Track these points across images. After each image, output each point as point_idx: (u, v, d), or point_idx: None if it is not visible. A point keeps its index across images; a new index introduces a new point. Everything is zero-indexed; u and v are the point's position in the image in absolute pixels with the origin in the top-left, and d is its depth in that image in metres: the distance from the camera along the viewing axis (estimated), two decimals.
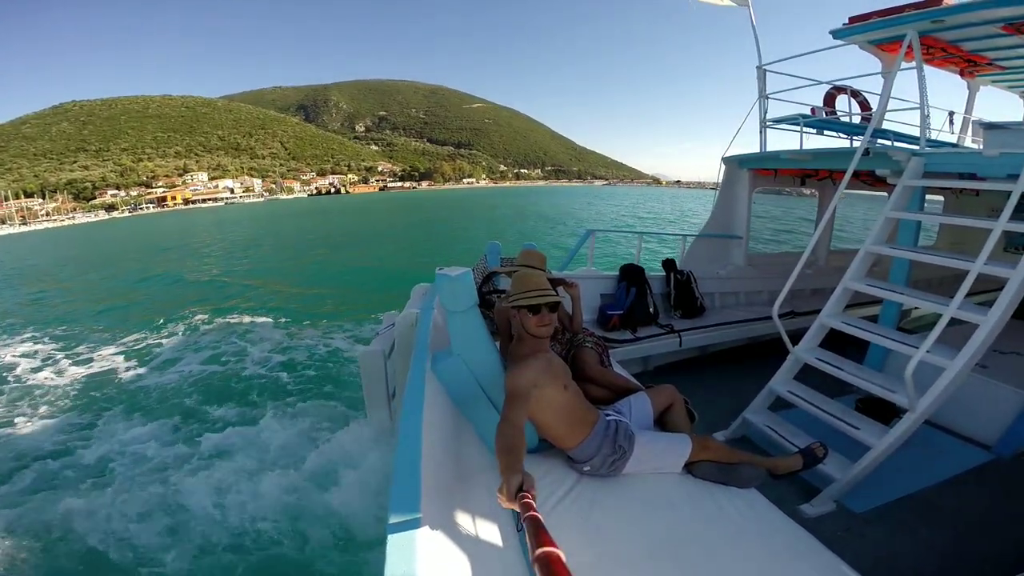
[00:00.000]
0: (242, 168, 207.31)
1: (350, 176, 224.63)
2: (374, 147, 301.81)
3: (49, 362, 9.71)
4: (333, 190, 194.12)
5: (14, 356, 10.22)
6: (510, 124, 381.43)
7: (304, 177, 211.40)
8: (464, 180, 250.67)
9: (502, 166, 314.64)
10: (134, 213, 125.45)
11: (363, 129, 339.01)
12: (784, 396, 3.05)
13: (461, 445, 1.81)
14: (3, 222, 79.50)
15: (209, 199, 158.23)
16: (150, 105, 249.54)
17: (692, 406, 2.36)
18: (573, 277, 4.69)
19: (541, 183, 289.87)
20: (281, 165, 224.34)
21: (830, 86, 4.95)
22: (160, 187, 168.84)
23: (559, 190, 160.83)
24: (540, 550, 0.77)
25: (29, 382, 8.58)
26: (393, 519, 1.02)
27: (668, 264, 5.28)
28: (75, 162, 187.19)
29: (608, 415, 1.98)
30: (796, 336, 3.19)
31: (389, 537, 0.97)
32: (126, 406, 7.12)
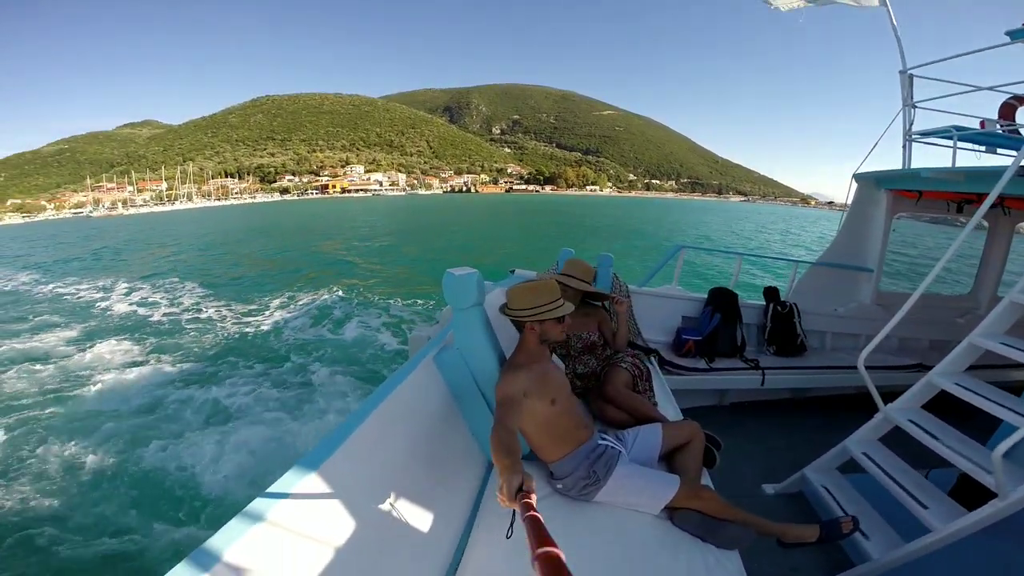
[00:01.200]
0: (392, 163, 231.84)
1: (482, 176, 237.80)
2: (507, 149, 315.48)
3: (194, 310, 12.01)
4: (465, 189, 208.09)
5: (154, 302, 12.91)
6: (643, 133, 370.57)
7: (443, 175, 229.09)
8: (587, 187, 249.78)
9: (631, 175, 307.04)
10: (300, 197, 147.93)
11: (499, 132, 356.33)
12: (856, 458, 2.63)
13: (446, 437, 1.79)
14: (204, 197, 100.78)
15: (360, 190, 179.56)
16: (325, 102, 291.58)
17: (719, 452, 2.15)
18: (655, 294, 4.38)
19: (671, 195, 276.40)
20: (425, 163, 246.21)
21: (1009, 95, 3.85)
22: (325, 176, 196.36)
23: (684, 204, 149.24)
24: (541, 550, 0.77)
25: (183, 324, 10.74)
26: (272, 487, 0.98)
27: (770, 293, 4.59)
28: (264, 149, 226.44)
29: (603, 439, 1.92)
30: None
31: (255, 501, 0.92)
32: (256, 358, 8.35)
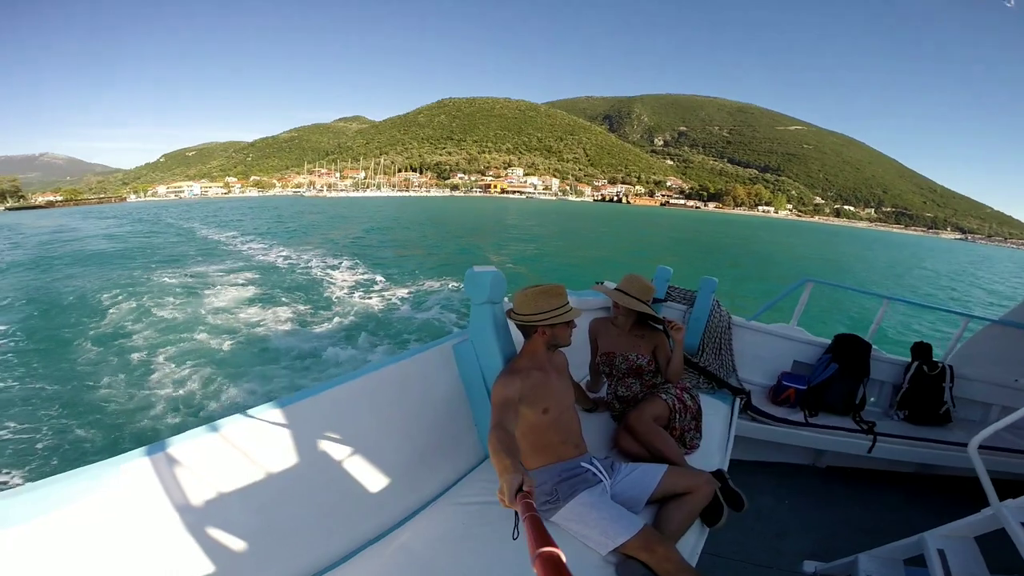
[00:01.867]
0: (549, 168, 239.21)
1: (637, 188, 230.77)
2: (669, 162, 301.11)
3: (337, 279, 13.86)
4: (616, 199, 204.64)
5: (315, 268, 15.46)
6: (838, 152, 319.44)
7: (596, 183, 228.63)
8: (759, 208, 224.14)
9: (817, 198, 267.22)
10: (466, 194, 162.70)
11: (661, 143, 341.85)
12: (926, 553, 2.13)
13: (446, 421, 1.83)
14: (391, 187, 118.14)
15: (516, 191, 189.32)
16: (495, 106, 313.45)
17: (726, 512, 1.84)
18: (765, 330, 4.02)
19: (863, 225, 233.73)
20: (580, 170, 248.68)
21: None
22: (490, 176, 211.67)
23: (880, 237, 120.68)
24: (541, 550, 0.77)
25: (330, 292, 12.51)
26: (248, 410, 1.05)
27: (919, 349, 3.76)
28: (444, 148, 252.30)
29: (590, 463, 1.83)
30: None
31: (223, 419, 1.01)
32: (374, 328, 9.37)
